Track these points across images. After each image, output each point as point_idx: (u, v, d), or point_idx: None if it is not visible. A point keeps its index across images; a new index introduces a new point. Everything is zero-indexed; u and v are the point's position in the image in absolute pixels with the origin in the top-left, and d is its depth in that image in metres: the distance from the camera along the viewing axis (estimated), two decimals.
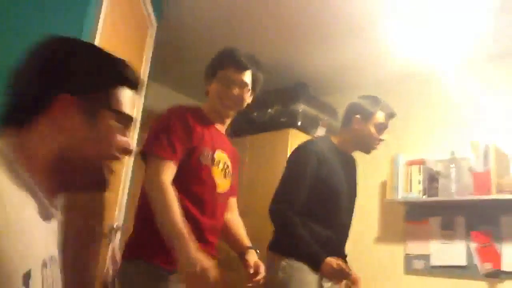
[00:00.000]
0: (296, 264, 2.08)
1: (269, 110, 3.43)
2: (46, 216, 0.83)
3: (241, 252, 1.92)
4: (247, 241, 1.97)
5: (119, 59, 0.92)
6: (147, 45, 2.40)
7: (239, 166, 2.07)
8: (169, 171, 1.68)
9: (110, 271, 1.77)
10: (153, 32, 2.48)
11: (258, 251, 1.95)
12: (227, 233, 1.99)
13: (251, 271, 1.86)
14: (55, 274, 0.84)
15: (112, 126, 0.88)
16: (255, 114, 3.48)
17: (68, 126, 0.83)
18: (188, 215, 1.70)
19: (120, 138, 0.90)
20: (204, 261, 1.52)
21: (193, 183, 1.76)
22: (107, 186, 0.92)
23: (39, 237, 0.78)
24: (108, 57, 0.91)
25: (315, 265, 2.02)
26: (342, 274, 2.00)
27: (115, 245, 1.84)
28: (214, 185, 1.80)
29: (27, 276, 0.71)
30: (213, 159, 1.81)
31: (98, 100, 0.86)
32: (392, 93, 3.27)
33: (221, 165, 1.85)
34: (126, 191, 2.05)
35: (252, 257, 1.91)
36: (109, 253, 1.79)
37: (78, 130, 0.84)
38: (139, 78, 0.94)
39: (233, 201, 2.03)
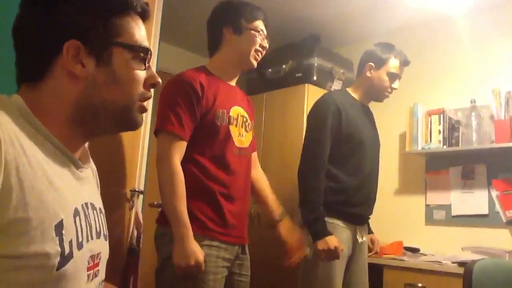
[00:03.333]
0: (330, 220, 2.10)
1: (283, 66, 3.36)
2: (74, 166, 0.83)
3: (272, 222, 1.95)
4: (277, 209, 1.99)
5: None
6: (156, 6, 2.35)
7: (255, 122, 2.07)
8: (179, 149, 1.71)
9: (135, 235, 1.80)
10: None
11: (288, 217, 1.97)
12: (256, 196, 2.03)
13: (290, 248, 1.91)
14: (93, 218, 0.85)
15: (129, 62, 0.85)
16: (270, 71, 3.43)
17: (81, 73, 0.80)
18: (214, 177, 1.74)
19: (141, 73, 0.87)
20: (200, 254, 1.60)
21: (214, 145, 1.77)
22: (138, 125, 0.90)
23: (68, 187, 0.79)
24: None
25: (315, 238, 2.04)
26: (333, 255, 2.02)
27: (138, 209, 1.86)
28: (234, 144, 1.81)
29: (59, 226, 0.73)
30: (229, 118, 1.81)
31: (106, 39, 0.82)
32: (409, 42, 3.18)
33: (239, 120, 1.86)
34: (146, 154, 2.06)
35: (287, 230, 1.93)
36: (133, 217, 1.82)
37: (93, 76, 0.81)
38: (142, 1, 0.89)
39: (254, 156, 2.03)
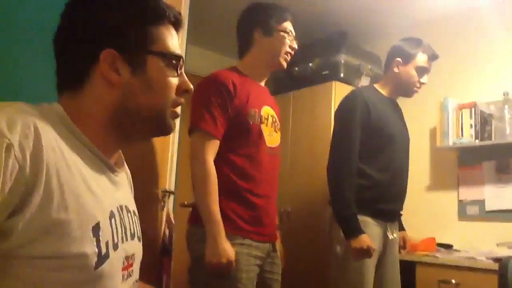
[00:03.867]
0: (360, 217, 2.09)
1: (310, 64, 3.35)
2: (110, 171, 0.87)
3: None
4: None
5: None
6: (183, 8, 2.38)
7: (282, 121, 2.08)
8: (212, 147, 1.74)
9: (167, 235, 1.83)
10: None
11: None
12: None
13: None
14: (127, 220, 0.88)
15: (163, 70, 0.87)
16: (296, 69, 3.42)
17: (117, 81, 0.84)
18: (246, 176, 1.76)
19: (174, 80, 0.89)
20: (231, 253, 1.62)
21: (247, 144, 1.80)
22: (170, 131, 0.93)
23: (104, 191, 0.82)
24: None
25: (349, 237, 2.03)
26: (366, 255, 2.01)
27: (169, 210, 1.89)
28: (265, 143, 1.83)
29: (96, 228, 0.76)
30: (260, 117, 1.83)
31: (141, 47, 0.85)
32: (438, 35, 3.14)
33: (270, 119, 1.88)
34: (176, 155, 2.09)
35: None
36: (165, 216, 1.85)
37: (129, 83, 0.84)
38: (176, 10, 0.91)
39: None
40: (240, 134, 1.79)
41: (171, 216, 1.91)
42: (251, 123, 1.80)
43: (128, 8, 0.86)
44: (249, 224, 1.76)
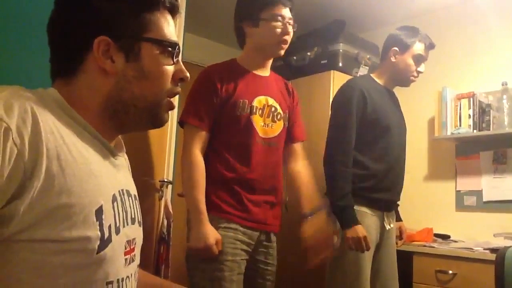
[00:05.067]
0: (357, 207, 2.09)
1: (308, 53, 3.33)
2: (110, 154, 0.86)
3: (300, 217, 1.90)
4: (307, 203, 1.92)
5: None
6: None
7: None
8: (200, 139, 1.77)
9: (165, 224, 1.83)
10: None
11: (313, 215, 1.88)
12: (290, 189, 2.01)
13: (311, 248, 1.83)
14: (128, 204, 0.87)
15: (158, 57, 0.85)
16: (295, 58, 3.40)
17: (111, 69, 0.82)
18: (232, 167, 1.78)
19: (170, 68, 0.87)
20: (211, 238, 1.64)
21: (235, 135, 1.80)
22: (164, 123, 0.91)
23: (106, 174, 0.81)
24: None
25: (344, 227, 2.03)
26: (361, 245, 2.00)
27: (167, 199, 1.90)
28: (257, 134, 1.82)
29: (99, 211, 0.75)
30: (251, 107, 1.81)
31: (136, 34, 0.83)
32: (437, 24, 3.12)
33: (265, 110, 1.85)
34: (174, 145, 2.09)
35: (313, 226, 1.85)
36: (162, 207, 1.85)
37: (123, 71, 0.83)
38: None
39: (297, 147, 2.01)
40: (228, 125, 1.80)
41: (169, 205, 1.92)
42: (238, 113, 1.79)
43: None
44: (235, 209, 1.76)
